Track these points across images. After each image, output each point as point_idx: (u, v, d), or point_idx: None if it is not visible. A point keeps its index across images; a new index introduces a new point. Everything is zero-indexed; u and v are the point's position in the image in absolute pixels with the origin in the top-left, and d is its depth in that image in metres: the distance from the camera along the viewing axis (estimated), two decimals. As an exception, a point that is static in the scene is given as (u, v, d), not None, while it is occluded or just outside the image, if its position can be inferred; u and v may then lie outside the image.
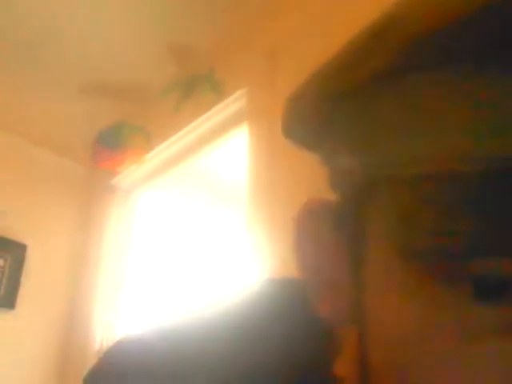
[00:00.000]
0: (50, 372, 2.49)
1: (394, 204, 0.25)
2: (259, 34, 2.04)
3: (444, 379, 0.24)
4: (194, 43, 2.29)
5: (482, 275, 0.22)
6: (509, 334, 0.22)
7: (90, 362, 2.10)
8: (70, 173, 2.89)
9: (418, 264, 0.24)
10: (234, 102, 2.07)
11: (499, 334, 0.23)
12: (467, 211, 0.22)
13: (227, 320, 0.36)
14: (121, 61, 2.39)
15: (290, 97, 0.33)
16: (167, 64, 2.35)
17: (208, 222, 2.18)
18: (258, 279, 0.38)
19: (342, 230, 0.30)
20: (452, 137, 0.22)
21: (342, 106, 0.28)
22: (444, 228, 0.22)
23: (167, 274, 2.27)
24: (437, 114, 0.23)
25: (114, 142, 2.33)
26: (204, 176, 2.46)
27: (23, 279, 2.53)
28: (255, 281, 0.39)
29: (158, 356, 0.35)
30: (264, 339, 0.35)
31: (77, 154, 2.83)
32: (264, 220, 1.68)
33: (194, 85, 2.23)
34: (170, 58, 2.34)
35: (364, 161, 0.27)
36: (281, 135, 0.35)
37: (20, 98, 2.56)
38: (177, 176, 2.45)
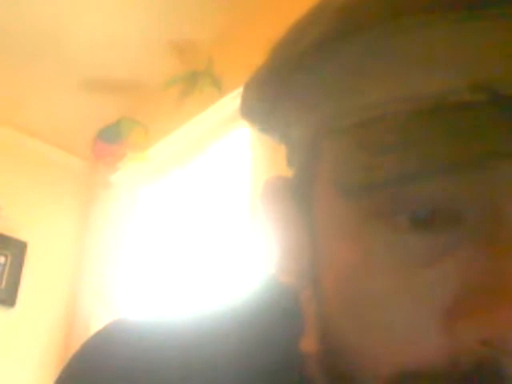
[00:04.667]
0: (51, 370, 2.48)
1: (334, 151, 0.28)
2: (260, 29, 2.03)
3: (387, 309, 0.26)
4: (194, 38, 2.28)
5: (414, 206, 0.25)
6: (438, 261, 0.25)
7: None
8: (71, 168, 2.88)
9: (356, 201, 0.26)
10: (235, 98, 2.06)
11: (430, 261, 0.25)
12: (395, 145, 0.24)
13: (227, 317, 0.36)
14: (121, 56, 2.38)
15: (247, 80, 0.35)
16: (167, 59, 2.34)
17: (209, 218, 2.17)
18: (259, 274, 0.39)
19: (298, 198, 0.32)
20: (382, 85, 0.26)
21: (291, 75, 0.31)
22: (376, 162, 0.24)
23: (167, 270, 2.27)
24: (368, 70, 0.27)
25: (113, 137, 2.33)
26: (205, 172, 2.45)
27: (24, 277, 2.53)
28: (256, 276, 0.39)
29: (153, 350, 0.34)
30: (261, 339, 0.35)
31: (77, 150, 2.82)
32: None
33: (195, 79, 2.22)
34: (171, 53, 2.34)
35: (309, 120, 0.30)
36: None
37: (20, 92, 2.55)
38: (177, 172, 2.44)
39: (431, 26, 0.25)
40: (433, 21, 0.25)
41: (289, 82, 0.31)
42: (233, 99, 2.06)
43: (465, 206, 0.25)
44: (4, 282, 2.47)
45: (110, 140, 2.33)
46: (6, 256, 2.50)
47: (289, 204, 0.33)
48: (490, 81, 0.23)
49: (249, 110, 0.36)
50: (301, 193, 0.32)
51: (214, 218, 2.16)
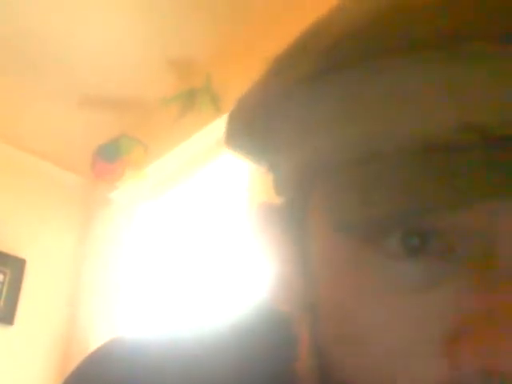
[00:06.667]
0: (49, 388, 2.47)
1: (327, 189, 0.28)
2: (259, 47, 2.05)
3: (384, 336, 0.26)
4: (192, 56, 2.30)
5: (406, 234, 0.25)
6: (433, 288, 0.25)
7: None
8: (69, 186, 2.88)
9: (350, 235, 0.27)
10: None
11: (425, 287, 0.25)
12: (388, 183, 0.24)
13: (225, 337, 0.36)
14: (120, 74, 2.40)
15: (232, 108, 0.35)
16: (166, 77, 2.36)
17: (208, 234, 2.17)
18: (254, 295, 0.40)
19: (290, 226, 0.32)
20: (371, 124, 0.26)
21: (278, 109, 0.31)
22: (370, 200, 0.24)
23: (167, 288, 2.26)
24: (357, 106, 0.27)
25: (112, 155, 2.33)
26: (203, 190, 2.46)
27: (22, 294, 2.52)
28: (251, 297, 0.40)
29: (153, 364, 0.34)
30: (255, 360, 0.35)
31: (76, 167, 2.83)
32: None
33: (194, 97, 2.23)
34: (169, 71, 2.35)
35: (299, 155, 0.30)
36: None
37: (19, 110, 2.56)
38: (176, 189, 2.44)
39: (418, 64, 0.25)
40: (420, 60, 0.25)
41: (277, 115, 0.31)
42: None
43: (457, 238, 0.25)
44: (2, 300, 2.46)
45: (109, 158, 2.33)
46: (4, 273, 2.50)
47: (280, 231, 0.33)
48: (480, 122, 0.23)
49: (234, 140, 0.36)
50: (293, 222, 0.32)
51: (211, 235, 2.16)
